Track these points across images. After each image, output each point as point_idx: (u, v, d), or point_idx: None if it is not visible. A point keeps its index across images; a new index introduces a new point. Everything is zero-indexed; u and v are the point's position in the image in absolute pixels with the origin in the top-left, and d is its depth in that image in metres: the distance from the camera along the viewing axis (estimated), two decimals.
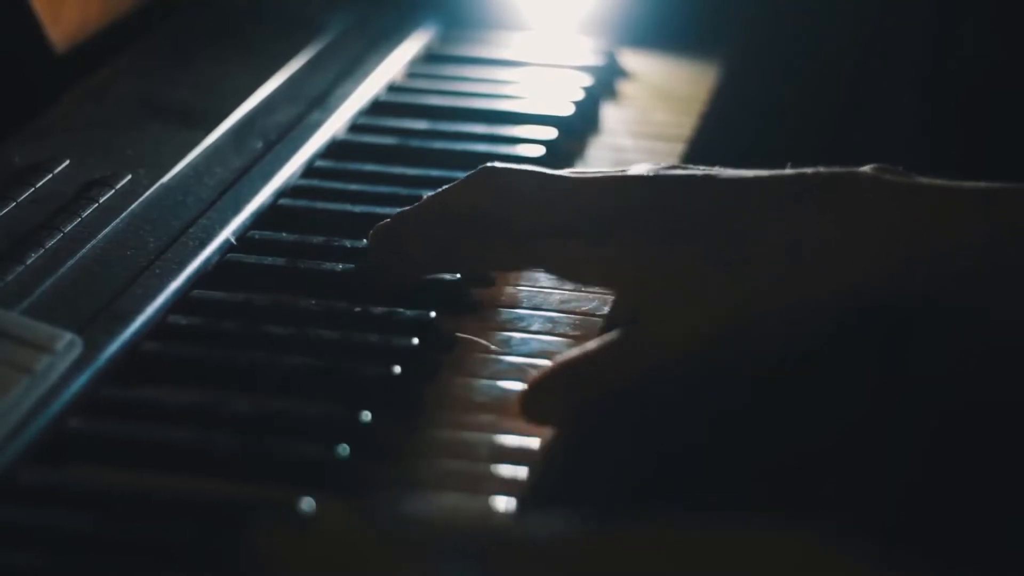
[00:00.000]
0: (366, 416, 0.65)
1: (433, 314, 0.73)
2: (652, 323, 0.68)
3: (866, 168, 0.68)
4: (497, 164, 0.74)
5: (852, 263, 0.66)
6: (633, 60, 1.11)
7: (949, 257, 0.66)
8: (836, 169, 0.68)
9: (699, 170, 0.70)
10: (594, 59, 1.07)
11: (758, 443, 0.73)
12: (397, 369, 0.69)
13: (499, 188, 0.73)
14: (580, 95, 1.01)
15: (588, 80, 1.03)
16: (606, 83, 1.06)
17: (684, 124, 1.02)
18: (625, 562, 0.46)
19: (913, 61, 1.25)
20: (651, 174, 0.71)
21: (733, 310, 0.67)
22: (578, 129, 0.98)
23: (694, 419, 0.69)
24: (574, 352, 0.69)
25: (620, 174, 0.72)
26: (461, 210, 0.73)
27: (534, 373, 0.69)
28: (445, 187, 0.75)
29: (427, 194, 0.75)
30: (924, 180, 0.68)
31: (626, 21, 1.13)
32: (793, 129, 1.23)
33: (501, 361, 0.73)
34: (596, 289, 0.78)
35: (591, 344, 0.69)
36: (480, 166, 0.75)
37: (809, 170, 0.68)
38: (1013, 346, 0.67)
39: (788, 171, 0.69)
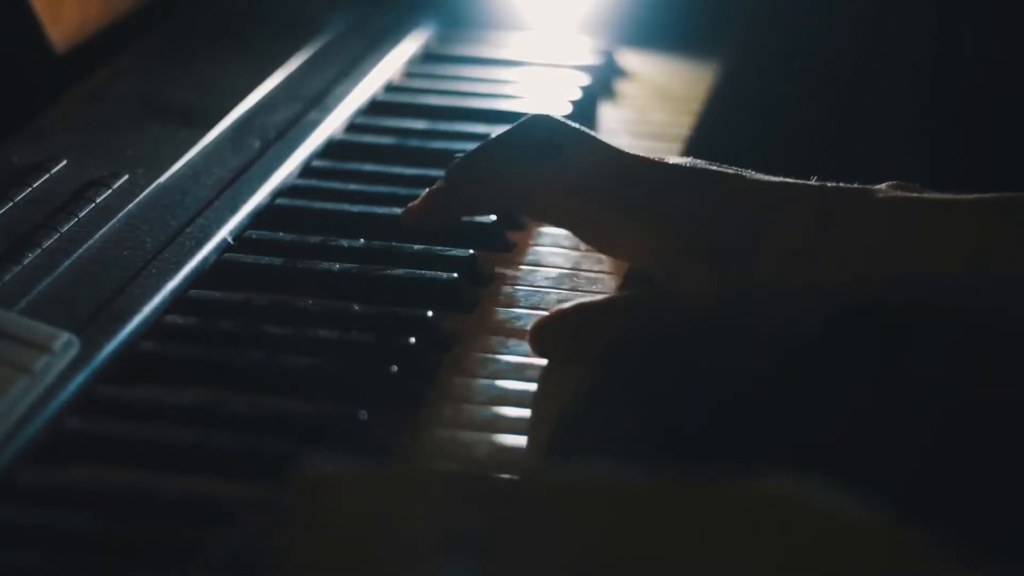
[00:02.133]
0: (364, 416, 0.65)
1: (430, 313, 0.74)
2: (667, 283, 0.72)
3: (883, 185, 0.72)
4: (550, 114, 0.77)
5: (863, 265, 0.70)
6: (632, 60, 1.11)
7: (956, 264, 0.69)
8: (856, 186, 0.72)
9: (730, 169, 0.74)
10: (592, 59, 1.07)
11: (761, 439, 0.73)
12: (395, 368, 0.69)
13: (550, 136, 0.75)
14: (578, 95, 1.01)
15: (586, 80, 1.03)
16: (604, 83, 1.06)
17: (682, 124, 1.02)
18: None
19: (913, 61, 1.25)
20: (689, 165, 0.75)
21: (747, 280, 0.71)
22: None
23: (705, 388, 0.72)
24: (592, 298, 0.73)
25: (661, 159, 0.75)
26: (513, 153, 0.75)
27: (552, 308, 0.72)
28: (504, 131, 0.76)
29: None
30: (937, 195, 0.71)
31: (625, 21, 1.13)
32: (793, 129, 1.23)
33: (499, 361, 0.73)
34: (595, 279, 0.79)
35: (607, 294, 0.73)
36: (532, 114, 0.76)
37: (831, 184, 0.72)
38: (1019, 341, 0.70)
39: (813, 183, 0.73)
